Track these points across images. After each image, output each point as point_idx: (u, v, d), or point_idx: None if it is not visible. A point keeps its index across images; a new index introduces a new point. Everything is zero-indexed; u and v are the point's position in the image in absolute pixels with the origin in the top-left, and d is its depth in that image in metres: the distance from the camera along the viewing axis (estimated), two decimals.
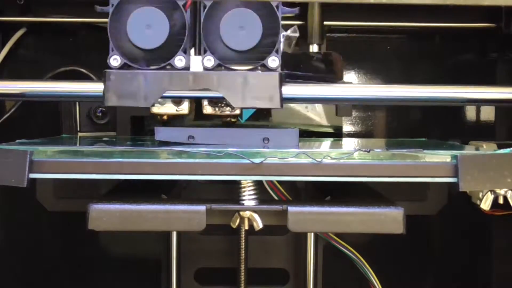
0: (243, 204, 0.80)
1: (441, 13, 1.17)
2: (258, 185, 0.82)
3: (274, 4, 0.84)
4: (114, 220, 0.77)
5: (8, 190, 0.76)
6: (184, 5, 0.84)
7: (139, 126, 1.15)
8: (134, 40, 0.84)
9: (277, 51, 0.85)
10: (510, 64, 1.21)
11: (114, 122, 1.13)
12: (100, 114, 1.13)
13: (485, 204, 0.81)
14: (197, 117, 0.99)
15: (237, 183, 0.81)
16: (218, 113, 0.91)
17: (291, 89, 0.89)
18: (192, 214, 0.77)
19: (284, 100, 0.86)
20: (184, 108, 0.91)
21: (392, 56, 1.27)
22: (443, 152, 0.80)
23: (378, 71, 1.27)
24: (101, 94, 0.88)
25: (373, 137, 1.26)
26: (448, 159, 0.77)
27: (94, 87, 0.91)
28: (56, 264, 1.25)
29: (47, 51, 1.24)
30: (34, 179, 0.76)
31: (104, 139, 1.05)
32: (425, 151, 0.80)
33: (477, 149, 0.99)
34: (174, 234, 1.15)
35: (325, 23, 1.15)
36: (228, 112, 0.91)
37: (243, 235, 1.12)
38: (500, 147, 1.05)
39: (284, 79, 0.87)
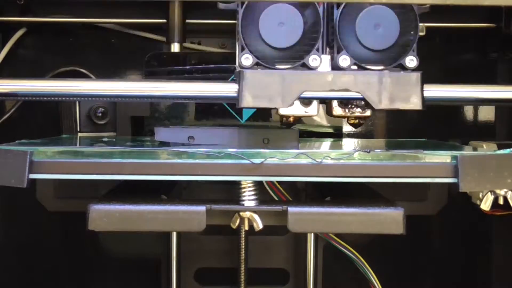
0: (243, 204, 0.80)
1: (441, 13, 1.17)
2: (258, 185, 0.81)
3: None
4: (114, 221, 0.77)
5: (8, 190, 0.76)
6: (318, 2, 0.81)
7: (139, 126, 1.15)
8: (266, 38, 0.81)
9: (414, 50, 0.82)
10: (510, 64, 1.20)
11: (114, 122, 1.13)
12: (100, 114, 1.13)
13: (485, 205, 0.81)
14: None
15: (237, 184, 0.81)
16: (348, 114, 0.89)
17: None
18: (192, 215, 0.77)
19: (426, 101, 0.82)
20: (313, 109, 0.88)
21: None
22: (443, 152, 0.80)
23: None
24: (101, 93, 0.88)
25: (373, 138, 1.26)
26: (448, 160, 0.77)
27: (94, 87, 0.91)
28: (56, 264, 1.25)
29: (47, 51, 1.24)
30: (34, 179, 0.76)
31: (104, 139, 1.05)
32: (425, 151, 0.80)
33: (477, 149, 0.99)
34: (174, 234, 1.15)
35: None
36: (358, 114, 0.89)
37: (243, 235, 1.12)
38: (500, 147, 1.05)
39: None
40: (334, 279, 1.20)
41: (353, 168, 0.76)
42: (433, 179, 0.77)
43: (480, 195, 0.83)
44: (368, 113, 0.89)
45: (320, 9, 0.82)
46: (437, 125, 1.25)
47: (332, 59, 0.83)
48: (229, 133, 0.89)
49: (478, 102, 0.97)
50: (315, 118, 1.16)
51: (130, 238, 1.22)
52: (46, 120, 1.21)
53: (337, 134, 1.18)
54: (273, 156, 0.76)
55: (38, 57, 1.24)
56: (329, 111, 0.90)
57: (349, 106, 0.88)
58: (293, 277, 1.21)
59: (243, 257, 1.13)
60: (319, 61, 0.82)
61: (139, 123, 1.15)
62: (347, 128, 1.25)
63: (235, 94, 0.81)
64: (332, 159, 0.76)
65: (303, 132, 1.11)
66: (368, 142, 1.12)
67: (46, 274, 1.25)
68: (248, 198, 0.81)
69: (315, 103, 0.87)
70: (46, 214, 1.08)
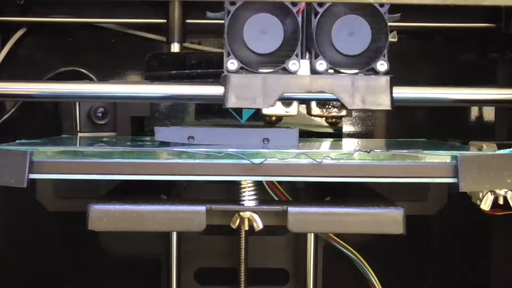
0: (243, 204, 0.80)
1: (441, 13, 1.17)
2: (258, 185, 0.81)
3: (382, 10, 0.88)
4: (114, 221, 0.77)
5: (8, 190, 0.76)
6: (297, 12, 0.88)
7: (139, 126, 1.15)
8: (250, 45, 0.88)
9: (384, 56, 0.89)
10: (510, 64, 1.20)
11: (114, 122, 1.13)
12: (100, 115, 1.13)
13: (485, 205, 0.81)
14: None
15: (237, 184, 0.81)
16: (325, 114, 0.96)
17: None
18: (192, 215, 0.77)
19: (395, 101, 0.89)
20: (293, 109, 0.95)
21: (392, 56, 1.26)
22: (443, 152, 0.80)
23: None
24: (101, 95, 0.88)
25: (373, 138, 1.26)
26: (448, 160, 0.77)
27: (94, 88, 0.92)
28: (56, 264, 1.25)
29: (47, 51, 1.24)
30: (34, 179, 0.76)
31: (104, 139, 1.05)
32: (425, 151, 0.80)
33: (477, 149, 0.99)
34: (174, 234, 1.15)
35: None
36: (334, 114, 0.96)
37: (243, 235, 1.12)
38: (500, 147, 1.05)
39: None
40: (334, 279, 1.20)
41: (353, 168, 0.77)
42: (433, 179, 0.77)
43: (480, 195, 0.83)
44: (344, 112, 0.96)
45: (299, 18, 0.88)
46: (437, 125, 1.25)
47: (311, 63, 0.89)
48: (229, 133, 0.89)
49: (441, 103, 1.02)
50: (315, 118, 1.16)
51: (130, 238, 1.22)
52: (46, 120, 1.22)
53: (337, 134, 1.18)
54: (273, 156, 0.76)
55: (38, 57, 1.24)
56: (308, 111, 0.97)
57: (327, 106, 0.96)
58: (293, 277, 1.21)
59: (243, 257, 1.13)
60: (298, 65, 0.88)
61: (139, 123, 1.15)
62: (347, 128, 1.25)
63: (221, 96, 0.88)
64: (332, 159, 0.76)
65: (303, 132, 1.11)
66: (368, 142, 1.12)
67: (46, 274, 1.25)
68: (248, 198, 0.81)
69: (295, 103, 0.94)
70: (46, 214, 1.08)
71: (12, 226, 1.23)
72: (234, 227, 0.80)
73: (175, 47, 1.18)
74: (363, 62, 0.88)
